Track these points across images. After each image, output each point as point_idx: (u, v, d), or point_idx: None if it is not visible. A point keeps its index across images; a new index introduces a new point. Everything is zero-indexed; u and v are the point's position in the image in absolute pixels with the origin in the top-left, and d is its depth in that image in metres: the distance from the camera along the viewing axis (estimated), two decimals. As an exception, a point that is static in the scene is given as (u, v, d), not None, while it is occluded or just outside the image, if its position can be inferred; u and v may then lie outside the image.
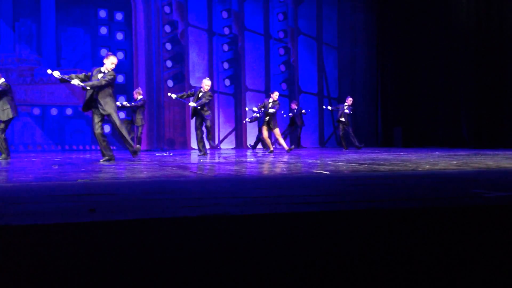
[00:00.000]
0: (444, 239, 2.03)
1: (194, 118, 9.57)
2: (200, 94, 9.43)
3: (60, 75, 6.67)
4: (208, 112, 9.46)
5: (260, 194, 2.87)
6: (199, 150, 9.56)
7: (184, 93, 10.06)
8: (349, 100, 12.77)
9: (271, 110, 10.32)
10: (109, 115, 6.82)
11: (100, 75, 6.78)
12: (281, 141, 10.83)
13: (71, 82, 6.66)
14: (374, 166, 5.50)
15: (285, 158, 8.16)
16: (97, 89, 6.70)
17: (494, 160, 6.41)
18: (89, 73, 6.93)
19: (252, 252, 1.89)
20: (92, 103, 6.82)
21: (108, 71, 6.80)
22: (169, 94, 10.25)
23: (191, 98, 9.56)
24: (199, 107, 9.29)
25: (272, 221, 2.05)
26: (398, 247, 1.84)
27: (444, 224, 2.18)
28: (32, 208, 2.32)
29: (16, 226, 1.76)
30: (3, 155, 8.16)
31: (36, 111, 13.93)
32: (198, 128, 9.52)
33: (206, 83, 9.51)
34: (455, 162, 5.99)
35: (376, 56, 16.99)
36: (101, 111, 6.75)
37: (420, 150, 11.00)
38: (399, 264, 1.90)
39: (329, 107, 14.51)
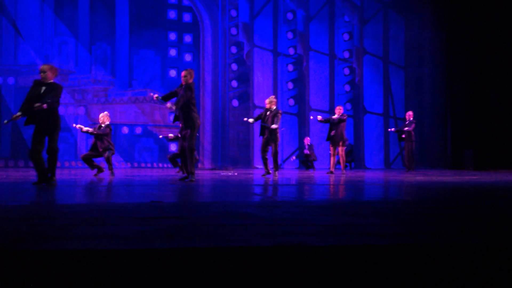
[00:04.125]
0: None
1: (263, 137, 9.17)
2: (268, 113, 9.12)
3: (159, 98, 6.97)
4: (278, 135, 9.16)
5: (332, 222, 2.83)
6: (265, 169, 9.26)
7: (256, 117, 9.67)
8: (408, 116, 12.30)
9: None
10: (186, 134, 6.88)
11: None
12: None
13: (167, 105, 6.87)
14: (449, 191, 5.29)
15: (349, 180, 8.03)
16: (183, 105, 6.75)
17: None
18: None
19: (330, 286, 1.86)
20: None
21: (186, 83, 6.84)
22: (246, 119, 9.87)
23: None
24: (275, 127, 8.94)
25: (348, 254, 2.01)
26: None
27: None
28: (111, 230, 2.42)
29: (102, 251, 1.85)
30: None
31: (109, 130, 14.61)
32: (264, 148, 9.19)
33: (273, 100, 9.27)
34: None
35: (445, 75, 16.46)
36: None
37: (494, 174, 10.47)
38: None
39: (392, 129, 13.63)
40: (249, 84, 16.00)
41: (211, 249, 1.88)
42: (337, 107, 10.88)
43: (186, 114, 6.79)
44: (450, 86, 16.14)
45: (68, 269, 1.78)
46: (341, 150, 10.45)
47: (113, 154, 9.17)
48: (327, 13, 16.96)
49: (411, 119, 12.29)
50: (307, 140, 14.56)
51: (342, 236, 2.36)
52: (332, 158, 10.57)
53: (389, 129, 13.95)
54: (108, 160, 9.07)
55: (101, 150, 8.98)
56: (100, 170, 8.77)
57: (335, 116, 10.47)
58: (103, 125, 9.14)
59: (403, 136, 12.18)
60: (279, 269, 1.89)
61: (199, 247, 1.89)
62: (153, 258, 1.80)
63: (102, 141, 8.99)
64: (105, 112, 9.50)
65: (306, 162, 14.52)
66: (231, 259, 1.85)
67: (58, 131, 5.83)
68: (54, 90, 5.71)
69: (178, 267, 1.79)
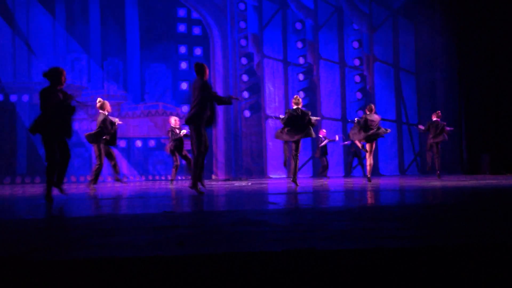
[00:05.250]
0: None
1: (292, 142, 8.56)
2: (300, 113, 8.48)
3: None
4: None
5: (346, 227, 2.80)
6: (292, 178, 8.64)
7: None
8: (435, 115, 11.00)
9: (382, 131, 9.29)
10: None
11: None
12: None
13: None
14: (466, 195, 5.21)
15: (364, 187, 7.95)
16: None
17: None
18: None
19: (343, 289, 1.83)
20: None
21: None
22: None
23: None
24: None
25: (362, 257, 1.98)
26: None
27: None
28: (124, 240, 2.41)
29: (110, 258, 1.84)
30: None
31: (123, 143, 14.70)
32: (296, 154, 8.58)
33: (299, 100, 8.69)
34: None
35: (458, 80, 16.32)
36: None
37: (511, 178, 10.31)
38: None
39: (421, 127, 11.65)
40: (260, 95, 16.02)
41: (221, 255, 1.86)
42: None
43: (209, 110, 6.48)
44: (463, 90, 16.00)
45: (80, 277, 1.77)
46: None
47: (111, 144, 8.45)
48: (335, 22, 16.97)
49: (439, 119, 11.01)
50: (322, 133, 14.22)
51: (356, 240, 2.32)
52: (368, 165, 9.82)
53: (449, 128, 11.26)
54: (114, 168, 8.55)
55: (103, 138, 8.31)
56: (92, 182, 8.48)
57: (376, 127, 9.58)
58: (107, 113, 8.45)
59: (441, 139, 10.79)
60: (291, 274, 1.86)
61: (208, 253, 1.88)
62: (162, 265, 1.78)
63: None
64: (99, 99, 8.80)
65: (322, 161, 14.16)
66: (241, 265, 1.83)
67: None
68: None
69: (188, 274, 1.77)
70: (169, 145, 10.28)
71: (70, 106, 5.71)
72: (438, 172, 10.90)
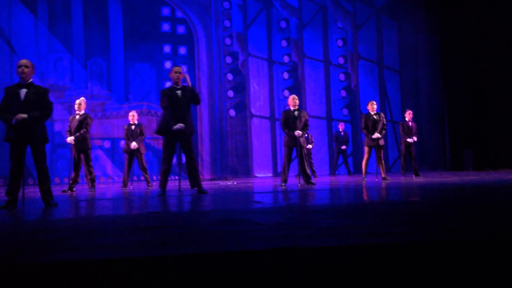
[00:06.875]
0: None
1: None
2: (297, 114, 8.26)
3: None
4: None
5: (328, 225, 2.82)
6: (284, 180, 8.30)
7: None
8: (408, 114, 11.22)
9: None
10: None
11: None
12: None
13: None
14: (449, 191, 5.26)
15: (349, 185, 8.01)
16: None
17: None
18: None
19: (325, 287, 1.84)
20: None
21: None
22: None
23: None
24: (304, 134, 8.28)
25: (344, 254, 1.99)
26: (483, 284, 1.73)
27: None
28: (107, 241, 2.40)
29: (92, 261, 1.83)
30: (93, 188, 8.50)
31: (107, 144, 14.58)
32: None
33: (296, 101, 8.38)
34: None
35: (441, 77, 16.50)
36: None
37: (494, 174, 10.44)
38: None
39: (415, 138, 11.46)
40: (245, 94, 16.02)
41: (204, 254, 1.86)
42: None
43: (189, 116, 6.27)
44: (446, 87, 16.17)
45: (61, 280, 1.76)
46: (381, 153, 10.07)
47: (89, 148, 8.38)
48: (320, 20, 17.04)
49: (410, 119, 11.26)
50: (341, 126, 14.22)
51: (339, 237, 2.34)
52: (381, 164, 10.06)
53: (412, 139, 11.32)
54: (89, 172, 8.27)
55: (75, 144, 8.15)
56: (69, 189, 8.30)
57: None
58: (78, 114, 8.37)
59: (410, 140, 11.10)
60: (275, 272, 1.87)
61: (192, 253, 1.88)
62: (145, 266, 1.78)
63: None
64: (81, 98, 8.64)
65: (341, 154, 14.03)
66: (225, 264, 1.84)
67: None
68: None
69: (172, 274, 1.77)
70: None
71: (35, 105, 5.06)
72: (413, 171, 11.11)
